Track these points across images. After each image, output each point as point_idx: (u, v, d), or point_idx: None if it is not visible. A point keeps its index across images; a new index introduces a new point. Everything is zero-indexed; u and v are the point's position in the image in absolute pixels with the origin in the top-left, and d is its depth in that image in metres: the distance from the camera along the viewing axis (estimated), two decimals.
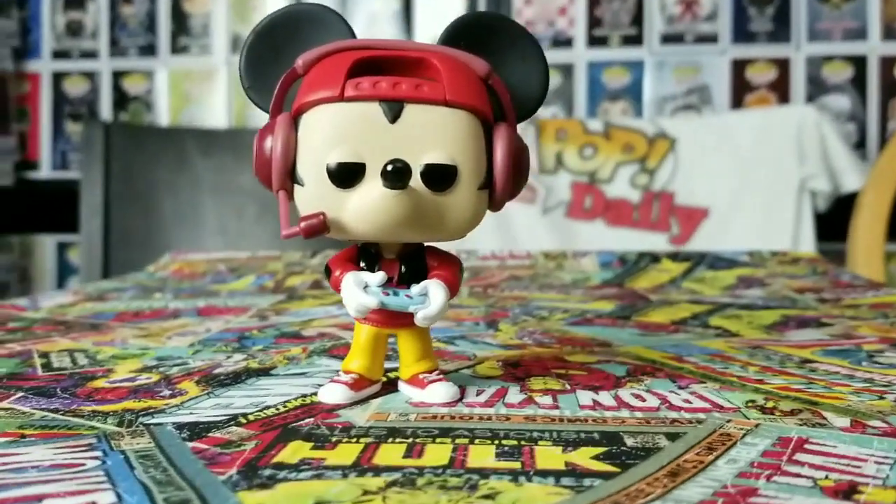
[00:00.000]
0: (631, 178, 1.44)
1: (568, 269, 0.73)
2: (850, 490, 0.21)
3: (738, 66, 1.58)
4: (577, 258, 0.75)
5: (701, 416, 0.28)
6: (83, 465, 0.22)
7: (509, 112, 0.30)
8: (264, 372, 0.34)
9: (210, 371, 0.34)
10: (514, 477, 0.22)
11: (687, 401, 0.30)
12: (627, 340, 0.43)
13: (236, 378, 0.33)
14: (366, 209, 0.28)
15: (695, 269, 0.71)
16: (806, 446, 0.25)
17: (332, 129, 0.28)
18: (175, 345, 0.41)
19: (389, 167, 0.27)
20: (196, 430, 0.26)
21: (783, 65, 1.58)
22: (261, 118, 0.40)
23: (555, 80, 1.60)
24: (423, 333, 0.30)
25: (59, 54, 1.70)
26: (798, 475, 0.22)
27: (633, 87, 1.59)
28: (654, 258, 0.74)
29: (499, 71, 0.31)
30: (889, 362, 0.37)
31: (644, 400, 0.30)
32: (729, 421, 0.28)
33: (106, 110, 1.68)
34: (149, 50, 1.67)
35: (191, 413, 0.28)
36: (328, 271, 0.30)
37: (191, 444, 0.24)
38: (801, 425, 0.27)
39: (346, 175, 0.28)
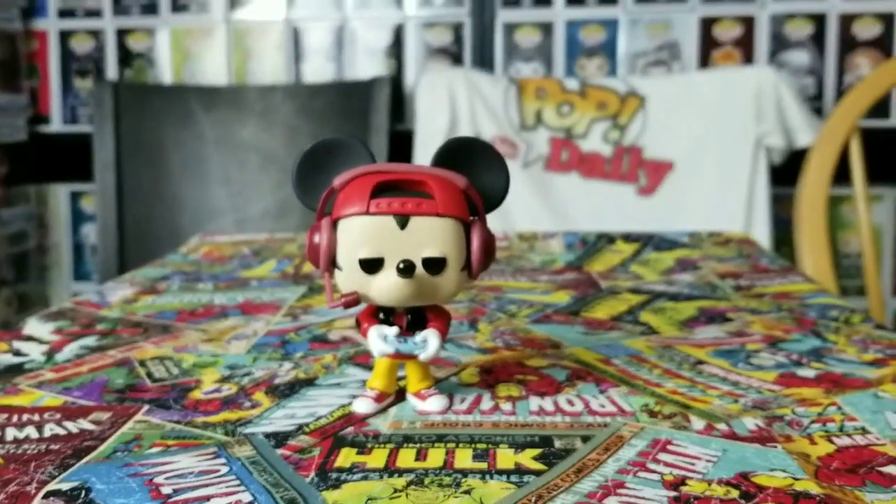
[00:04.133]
0: (604, 134, 1.57)
1: (538, 249, 0.87)
2: (679, 483, 0.35)
3: (706, 24, 1.69)
4: (546, 239, 0.89)
5: (608, 420, 0.43)
6: (219, 471, 0.37)
7: (481, 212, 0.43)
8: (310, 382, 0.48)
9: (272, 381, 0.49)
10: (483, 476, 0.36)
11: (602, 405, 0.45)
12: (573, 341, 0.57)
13: (292, 388, 0.47)
14: (385, 289, 0.41)
15: (643, 250, 0.86)
16: (668, 447, 0.39)
17: (360, 234, 0.41)
18: (236, 351, 0.55)
19: (401, 265, 0.40)
20: (279, 439, 0.40)
21: (748, 22, 1.69)
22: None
23: (535, 37, 1.71)
24: (423, 362, 0.45)
25: (64, 13, 1.78)
26: (653, 471, 0.37)
27: (608, 43, 1.70)
28: (610, 239, 0.89)
29: (474, 176, 0.44)
30: (759, 363, 0.52)
31: (573, 405, 0.45)
32: (625, 424, 0.42)
33: (111, 67, 1.78)
34: (150, 8, 1.76)
35: (270, 423, 0.42)
36: (358, 322, 0.44)
37: (279, 452, 0.39)
38: (671, 428, 0.42)
39: (371, 266, 0.41)
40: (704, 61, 1.67)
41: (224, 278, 0.78)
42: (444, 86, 1.57)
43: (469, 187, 0.43)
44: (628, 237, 0.89)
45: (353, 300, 0.42)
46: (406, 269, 0.40)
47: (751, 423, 0.42)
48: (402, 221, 0.41)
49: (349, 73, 1.73)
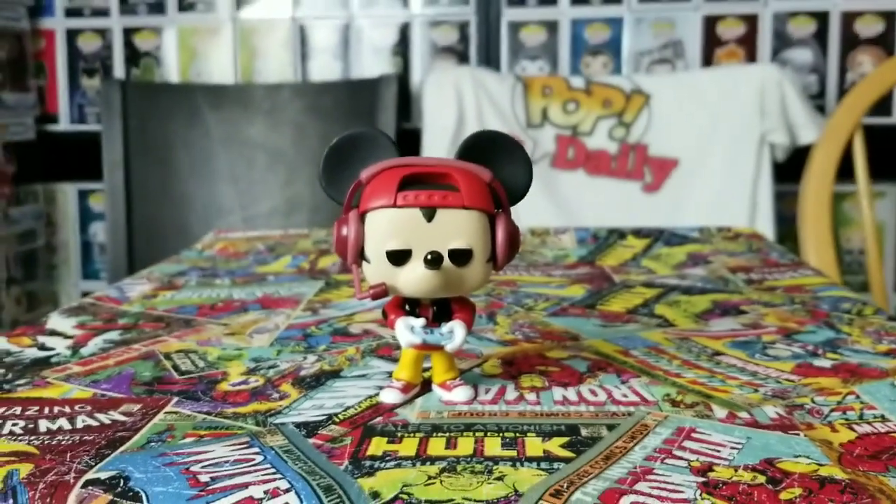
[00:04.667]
0: (609, 131, 1.58)
1: (550, 245, 0.87)
2: (707, 469, 0.36)
3: (710, 22, 1.69)
4: (557, 235, 0.90)
5: (632, 409, 0.43)
6: (253, 459, 0.37)
7: (505, 205, 0.44)
8: (335, 374, 0.49)
9: (297, 373, 0.49)
10: (513, 463, 0.37)
11: (624, 395, 0.45)
12: (591, 333, 0.58)
13: (318, 380, 0.48)
14: (413, 281, 0.42)
15: (653, 245, 0.86)
16: (693, 435, 0.40)
17: (388, 226, 0.42)
18: (259, 344, 0.55)
19: (429, 256, 0.41)
20: (310, 429, 0.41)
21: (751, 20, 1.69)
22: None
23: (541, 35, 1.71)
24: (449, 353, 0.45)
25: (71, 12, 1.79)
26: (680, 458, 0.37)
27: (613, 41, 1.71)
28: (621, 234, 0.89)
29: (497, 169, 0.44)
30: (775, 354, 0.53)
31: (596, 395, 0.45)
32: (649, 413, 0.43)
33: (119, 66, 1.78)
34: (157, 7, 1.76)
35: (299, 414, 0.43)
36: (385, 314, 0.45)
37: (311, 441, 0.39)
38: (694, 417, 0.42)
39: (399, 257, 0.42)
40: (708, 59, 1.68)
41: (240, 274, 0.79)
42: (451, 84, 1.58)
43: (494, 180, 0.44)
44: (639, 232, 0.90)
45: (382, 291, 0.42)
46: (434, 261, 0.41)
47: (772, 411, 0.43)
48: (429, 214, 0.42)
49: (356, 72, 1.74)
